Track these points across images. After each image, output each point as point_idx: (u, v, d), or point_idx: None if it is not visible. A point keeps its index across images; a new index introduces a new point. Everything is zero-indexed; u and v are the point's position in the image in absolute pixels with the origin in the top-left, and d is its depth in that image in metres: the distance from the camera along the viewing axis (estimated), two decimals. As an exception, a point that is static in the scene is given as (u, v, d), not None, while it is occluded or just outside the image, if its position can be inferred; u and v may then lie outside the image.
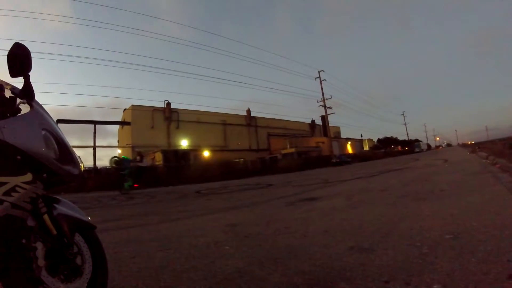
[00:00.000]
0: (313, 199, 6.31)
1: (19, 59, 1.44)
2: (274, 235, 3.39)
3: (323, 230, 3.42)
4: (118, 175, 12.79)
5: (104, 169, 24.03)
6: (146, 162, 14.23)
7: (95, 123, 33.31)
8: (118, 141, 40.24)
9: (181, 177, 20.48)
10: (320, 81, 45.87)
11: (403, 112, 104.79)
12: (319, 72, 46.18)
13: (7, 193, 1.26)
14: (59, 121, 28.97)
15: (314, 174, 18.52)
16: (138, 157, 13.41)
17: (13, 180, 1.30)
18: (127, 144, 35.24)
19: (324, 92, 46.08)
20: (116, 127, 40.26)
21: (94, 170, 25.17)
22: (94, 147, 31.62)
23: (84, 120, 33.38)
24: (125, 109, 38.24)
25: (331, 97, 46.21)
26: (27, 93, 1.50)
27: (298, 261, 2.37)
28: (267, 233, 3.54)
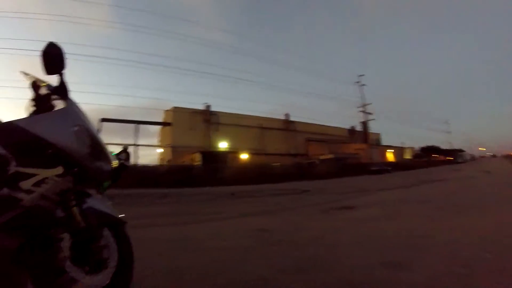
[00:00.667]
0: (348, 208, 6.08)
1: (53, 57, 1.49)
2: (303, 244, 3.29)
3: (355, 241, 3.26)
4: None
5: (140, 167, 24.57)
6: (129, 161, 13.00)
7: (137, 123, 34.84)
8: (159, 141, 41.80)
9: (218, 179, 20.78)
10: (360, 86, 44.57)
11: (446, 120, 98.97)
12: (358, 76, 44.91)
13: (36, 184, 1.32)
14: (103, 120, 30.65)
15: (352, 181, 17.92)
16: (123, 154, 11.16)
17: (43, 172, 1.35)
18: (167, 144, 36.50)
19: (363, 98, 44.64)
20: (157, 126, 41.83)
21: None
22: (136, 145, 33.03)
23: (127, 120, 34.90)
24: (166, 110, 39.64)
25: (371, 103, 44.65)
26: (61, 90, 1.56)
27: (325, 273, 2.26)
28: (297, 240, 3.44)
